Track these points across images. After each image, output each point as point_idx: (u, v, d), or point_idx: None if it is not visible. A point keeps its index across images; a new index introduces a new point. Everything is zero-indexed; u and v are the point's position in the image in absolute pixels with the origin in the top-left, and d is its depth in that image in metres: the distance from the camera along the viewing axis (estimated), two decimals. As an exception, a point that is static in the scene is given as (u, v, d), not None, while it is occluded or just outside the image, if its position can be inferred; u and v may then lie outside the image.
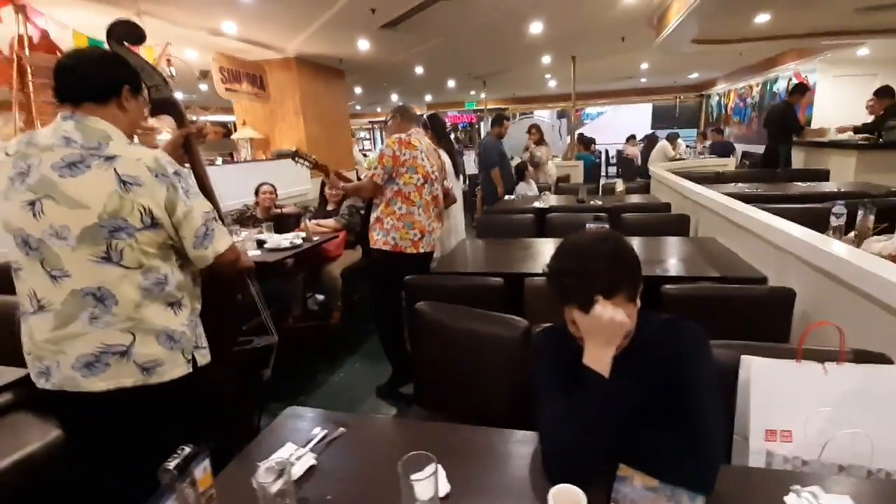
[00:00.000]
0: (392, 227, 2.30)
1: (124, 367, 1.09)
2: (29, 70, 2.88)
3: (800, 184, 4.13)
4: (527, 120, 13.61)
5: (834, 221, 2.08)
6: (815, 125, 6.39)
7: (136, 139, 1.21)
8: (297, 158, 2.49)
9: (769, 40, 5.78)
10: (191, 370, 1.19)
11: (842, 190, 3.60)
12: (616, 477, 0.83)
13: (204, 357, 1.24)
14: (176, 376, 1.16)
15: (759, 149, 6.31)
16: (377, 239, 2.33)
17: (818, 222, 2.04)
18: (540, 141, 5.98)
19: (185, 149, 1.50)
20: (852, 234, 2.05)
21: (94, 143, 1.06)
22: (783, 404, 1.07)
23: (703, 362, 0.89)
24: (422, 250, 2.34)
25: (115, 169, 1.05)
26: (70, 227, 1.04)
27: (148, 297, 1.11)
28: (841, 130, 5.15)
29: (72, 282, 1.06)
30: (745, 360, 1.12)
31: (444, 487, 0.84)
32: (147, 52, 3.87)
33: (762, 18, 4.83)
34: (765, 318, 1.59)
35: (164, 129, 4.90)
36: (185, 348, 1.17)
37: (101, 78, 1.12)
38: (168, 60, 4.09)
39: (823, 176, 4.68)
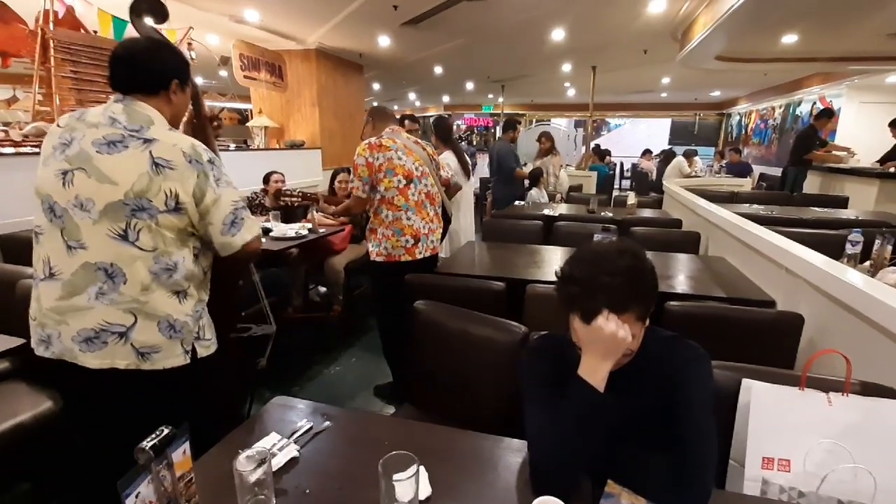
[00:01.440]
0: (383, 237, 2.16)
1: (121, 348, 1.09)
2: (52, 45, 2.91)
3: (816, 209, 4.05)
4: (542, 127, 13.58)
5: (849, 249, 2.02)
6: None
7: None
8: (283, 199, 2.40)
9: (795, 62, 5.70)
10: (188, 362, 1.17)
11: (860, 218, 3.53)
12: (603, 493, 0.80)
13: (206, 349, 1.22)
14: (170, 366, 1.14)
15: (778, 171, 6.23)
16: (372, 251, 2.21)
17: (833, 249, 1.99)
18: (550, 150, 5.83)
19: (198, 128, 1.49)
20: (867, 263, 2.00)
21: (137, 126, 1.10)
22: (783, 432, 1.04)
23: (702, 385, 0.86)
24: (419, 256, 2.18)
25: (150, 151, 1.08)
26: (95, 200, 1.06)
27: (156, 282, 1.11)
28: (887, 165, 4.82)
29: (86, 254, 1.07)
30: (747, 383, 1.08)
31: (426, 490, 0.82)
32: (169, 34, 3.90)
33: (790, 39, 4.76)
34: (770, 342, 1.55)
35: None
36: (184, 339, 1.16)
37: (151, 72, 1.16)
38: (189, 44, 4.12)
39: (842, 203, 4.60)
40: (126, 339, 1.09)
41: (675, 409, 0.84)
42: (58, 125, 1.13)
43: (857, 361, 1.04)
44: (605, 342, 0.81)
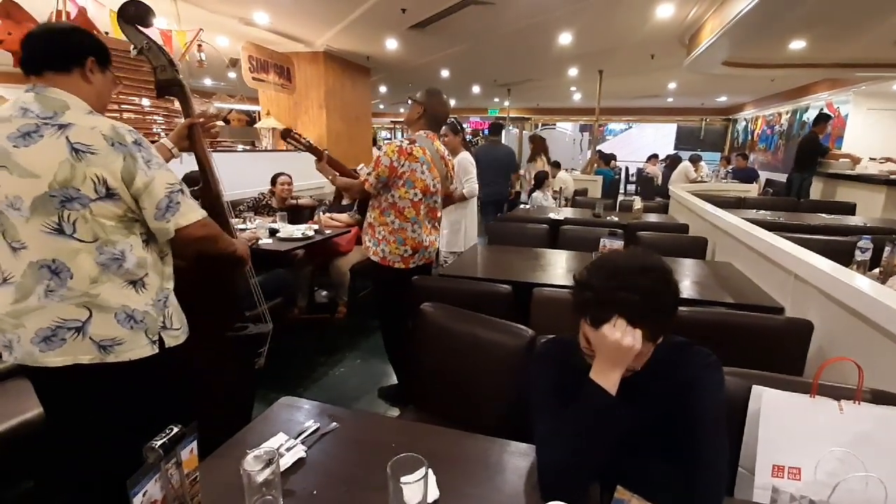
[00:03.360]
0: (383, 239, 2.16)
1: (80, 343, 1.07)
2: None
3: (824, 215, 4.02)
4: (548, 131, 13.57)
5: (859, 256, 2.01)
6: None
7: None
8: (289, 139, 2.22)
9: (803, 68, 5.69)
10: (156, 351, 1.15)
11: (868, 225, 3.50)
12: (613, 499, 0.79)
13: (175, 339, 1.20)
14: (137, 357, 1.12)
15: (784, 177, 6.21)
16: (368, 246, 2.22)
17: (841, 256, 1.97)
18: (538, 153, 5.62)
19: (189, 138, 1.50)
20: (877, 270, 1.98)
21: (50, 113, 1.04)
22: (793, 440, 1.03)
23: (713, 393, 0.85)
24: (412, 266, 2.20)
25: (66, 137, 1.02)
26: (22, 197, 1.02)
27: (105, 274, 1.08)
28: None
29: (28, 253, 1.04)
30: (757, 390, 1.07)
31: (433, 493, 0.82)
32: (179, 35, 3.94)
33: (797, 45, 4.75)
34: (779, 349, 1.54)
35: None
36: (149, 328, 1.14)
37: (62, 46, 1.10)
38: (199, 46, 4.15)
39: (849, 209, 4.57)
40: (84, 334, 1.07)
41: (687, 416, 0.83)
42: None
43: (869, 369, 1.03)
44: (611, 349, 0.80)
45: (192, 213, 1.18)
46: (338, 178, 2.25)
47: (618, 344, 0.79)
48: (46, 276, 1.05)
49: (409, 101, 2.23)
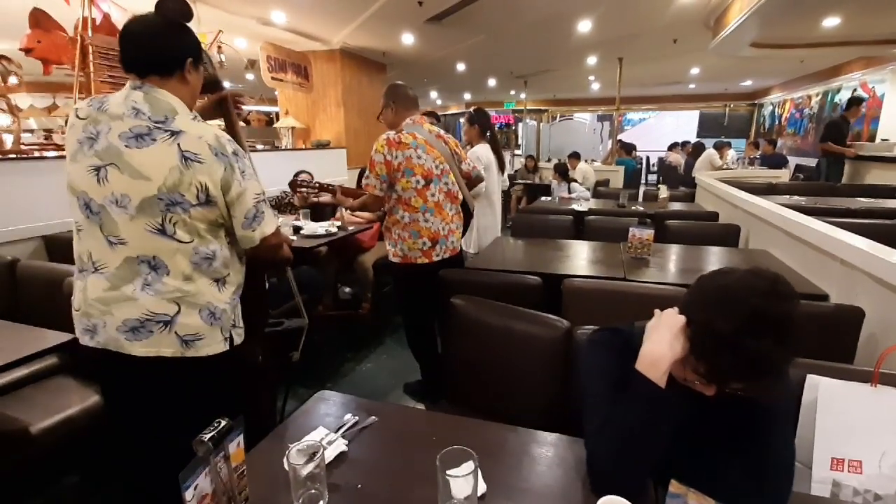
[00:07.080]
0: (399, 238, 2.08)
1: (166, 336, 1.10)
2: (91, 51, 3.00)
3: (863, 199, 3.86)
4: (566, 122, 13.38)
5: (908, 239, 1.91)
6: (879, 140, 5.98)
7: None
8: (299, 189, 2.25)
9: (836, 46, 5.45)
10: (227, 348, 1.19)
11: (912, 208, 3.34)
12: (668, 493, 0.76)
13: (239, 336, 1.25)
14: (213, 353, 1.16)
15: (815, 162, 5.98)
16: (389, 250, 2.16)
17: (889, 240, 1.87)
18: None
19: (224, 118, 1.47)
20: (929, 253, 1.88)
21: (161, 117, 1.08)
22: (853, 431, 0.98)
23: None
24: (436, 258, 2.09)
25: (178, 144, 1.07)
26: (131, 196, 1.06)
27: (197, 271, 1.12)
28: None
29: (127, 249, 1.08)
30: (813, 379, 1.02)
31: (482, 487, 0.80)
32: (200, 38, 3.99)
33: (831, 22, 4.55)
34: (827, 338, 1.46)
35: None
36: (224, 326, 1.18)
37: (166, 51, 1.13)
38: (219, 47, 4.20)
39: (890, 193, 4.37)
40: (171, 328, 1.10)
41: (754, 408, 0.78)
42: (78, 117, 1.10)
43: (936, 356, 0.97)
44: (660, 327, 0.78)
45: (272, 221, 1.23)
46: (354, 202, 2.19)
47: (670, 318, 0.76)
48: (146, 270, 1.09)
49: (380, 118, 2.22)
